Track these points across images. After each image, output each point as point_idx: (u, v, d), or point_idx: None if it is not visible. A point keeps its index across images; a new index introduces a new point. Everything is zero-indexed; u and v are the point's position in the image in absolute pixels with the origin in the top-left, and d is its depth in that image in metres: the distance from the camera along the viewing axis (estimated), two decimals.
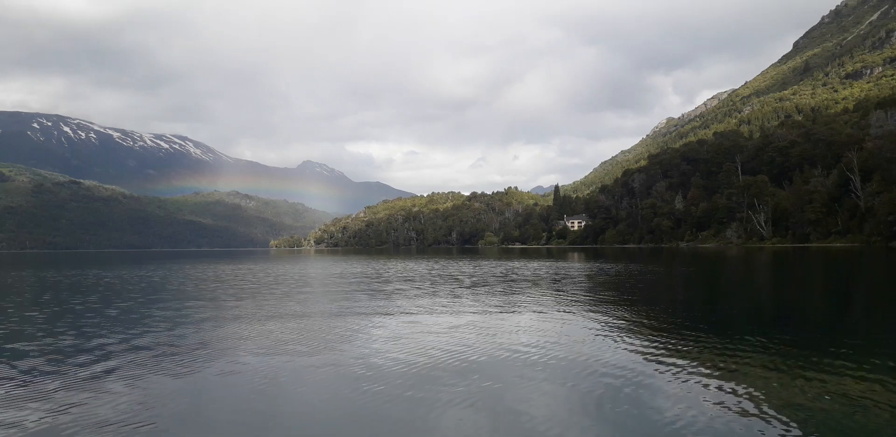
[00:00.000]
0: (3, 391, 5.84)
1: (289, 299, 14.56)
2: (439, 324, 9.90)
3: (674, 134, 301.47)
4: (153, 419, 4.92)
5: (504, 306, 12.57)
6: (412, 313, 11.41)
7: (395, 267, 33.71)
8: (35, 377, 6.44)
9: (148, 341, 8.56)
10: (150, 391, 5.79)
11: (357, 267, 34.50)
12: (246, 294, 16.33)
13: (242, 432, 4.69)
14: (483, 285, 18.30)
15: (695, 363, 6.69)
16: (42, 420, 4.92)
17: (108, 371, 6.62)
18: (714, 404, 5.14)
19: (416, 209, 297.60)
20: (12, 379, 6.33)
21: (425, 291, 16.59)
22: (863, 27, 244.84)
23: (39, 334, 9.39)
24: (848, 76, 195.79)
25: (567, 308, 11.92)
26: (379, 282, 20.76)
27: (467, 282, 20.06)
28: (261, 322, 10.39)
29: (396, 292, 16.47)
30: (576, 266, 32.15)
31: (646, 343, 7.93)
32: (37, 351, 7.87)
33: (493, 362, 6.94)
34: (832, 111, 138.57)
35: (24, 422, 4.88)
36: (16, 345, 8.38)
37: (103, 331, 9.56)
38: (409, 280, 21.40)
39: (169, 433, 4.65)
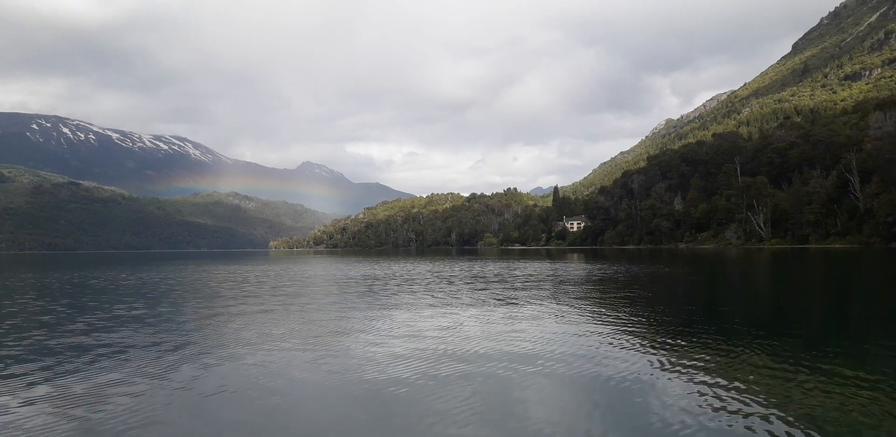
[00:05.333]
0: (21, 387, 5.89)
1: (326, 305, 14.59)
2: (440, 325, 9.92)
3: (673, 135, 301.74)
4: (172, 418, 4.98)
5: (505, 307, 12.58)
6: (415, 315, 11.44)
7: (413, 269, 33.74)
8: (52, 376, 6.48)
9: (191, 340, 8.61)
10: (169, 390, 5.85)
11: (375, 269, 34.53)
12: (293, 299, 16.34)
13: (245, 431, 4.72)
14: (485, 287, 18.33)
15: (695, 365, 6.71)
16: (47, 419, 4.95)
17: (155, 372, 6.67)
18: (714, 405, 5.16)
19: (415, 210, 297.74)
20: (26, 375, 6.38)
21: (430, 292, 16.61)
22: (861, 28, 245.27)
23: (86, 335, 9.42)
24: (847, 77, 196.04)
25: (568, 310, 11.94)
26: (401, 285, 20.80)
27: (470, 283, 20.09)
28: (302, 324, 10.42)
29: (410, 294, 16.50)
30: (576, 267, 32.18)
31: (645, 345, 7.95)
32: (74, 351, 7.92)
33: (494, 363, 6.96)
34: (831, 112, 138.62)
35: (23, 421, 4.93)
36: (34, 343, 8.43)
37: (166, 335, 9.57)
38: (422, 283, 21.44)
39: (173, 431, 4.70)
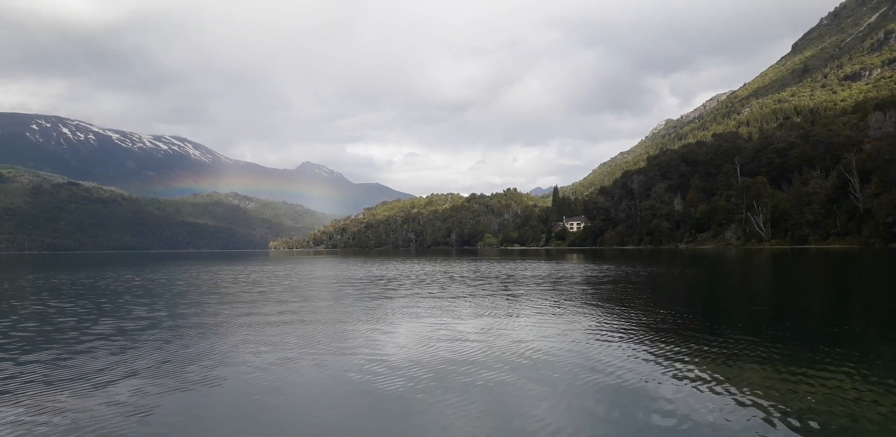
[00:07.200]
0: (51, 391, 6.08)
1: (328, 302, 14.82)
2: (441, 326, 10.05)
3: (672, 136, 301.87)
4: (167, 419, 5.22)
5: (505, 307, 12.74)
6: (416, 315, 11.58)
7: (419, 270, 33.92)
8: (80, 380, 6.63)
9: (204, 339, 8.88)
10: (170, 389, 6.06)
11: (382, 270, 34.69)
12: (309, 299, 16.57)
13: (244, 431, 4.84)
14: (485, 287, 18.51)
15: (695, 365, 6.83)
16: (77, 423, 5.08)
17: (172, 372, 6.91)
18: (714, 405, 5.26)
19: (415, 211, 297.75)
20: (54, 381, 6.58)
21: (448, 293, 16.73)
22: (861, 29, 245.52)
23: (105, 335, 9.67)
24: (846, 78, 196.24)
25: (568, 310, 12.09)
26: (415, 285, 20.98)
27: (470, 283, 20.27)
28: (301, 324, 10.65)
29: (429, 295, 16.70)
30: (584, 268, 32.35)
31: (645, 345, 8.08)
32: (80, 349, 8.15)
33: (494, 363, 7.02)
34: (831, 113, 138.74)
35: (23, 421, 5.06)
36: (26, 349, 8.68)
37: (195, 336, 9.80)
38: (427, 283, 21.64)
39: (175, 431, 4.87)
